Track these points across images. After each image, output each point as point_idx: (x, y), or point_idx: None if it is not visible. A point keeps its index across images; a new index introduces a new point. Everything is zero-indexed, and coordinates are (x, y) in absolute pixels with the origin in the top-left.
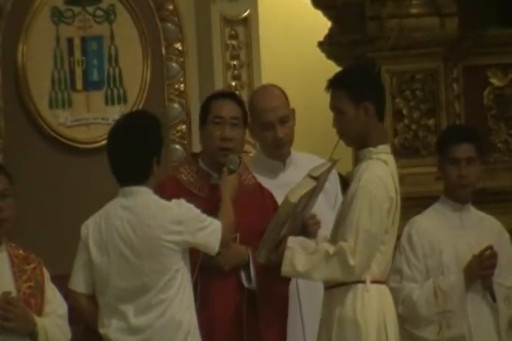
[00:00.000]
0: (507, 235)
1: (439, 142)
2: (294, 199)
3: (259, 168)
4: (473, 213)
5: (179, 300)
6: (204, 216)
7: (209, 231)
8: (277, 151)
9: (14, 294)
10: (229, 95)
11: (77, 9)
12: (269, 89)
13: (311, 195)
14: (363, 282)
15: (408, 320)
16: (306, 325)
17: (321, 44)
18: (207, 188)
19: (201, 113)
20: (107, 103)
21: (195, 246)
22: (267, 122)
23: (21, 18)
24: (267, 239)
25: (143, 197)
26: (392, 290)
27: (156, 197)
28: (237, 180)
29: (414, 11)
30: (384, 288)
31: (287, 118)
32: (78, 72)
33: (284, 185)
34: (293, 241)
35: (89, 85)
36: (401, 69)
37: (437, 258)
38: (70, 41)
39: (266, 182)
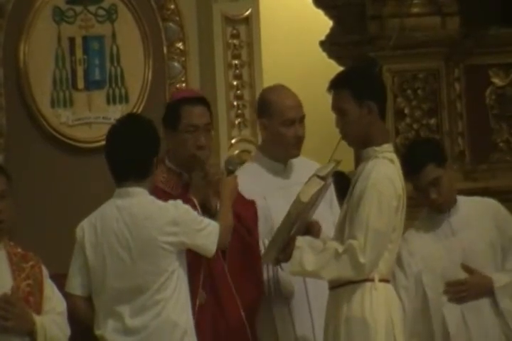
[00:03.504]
0: (503, 213)
1: (403, 171)
2: (305, 198)
3: (259, 168)
4: (463, 211)
5: (175, 301)
6: (201, 217)
7: (206, 233)
8: (294, 150)
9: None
10: (198, 100)
11: (78, 8)
12: (287, 89)
13: (319, 195)
14: (371, 280)
15: None
16: (316, 323)
17: (322, 43)
18: (180, 187)
19: (169, 116)
20: (108, 102)
21: (191, 247)
22: (289, 119)
23: (23, 18)
24: (276, 239)
25: (139, 197)
26: None
27: (152, 198)
28: (237, 181)
29: (415, 10)
30: (390, 286)
31: (304, 118)
32: (80, 71)
33: (286, 186)
34: (301, 241)
35: (91, 84)
36: (402, 69)
37: (432, 272)
38: (72, 40)
39: (265, 183)
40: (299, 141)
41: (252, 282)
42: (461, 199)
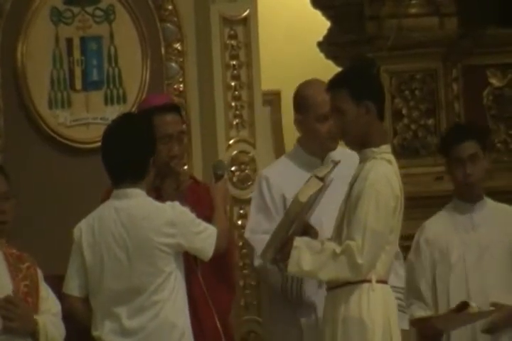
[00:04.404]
0: None
1: (442, 144)
2: (303, 198)
3: (294, 162)
4: (489, 209)
5: (173, 303)
6: (199, 220)
7: (204, 236)
8: (330, 144)
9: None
10: (169, 108)
11: (76, 9)
12: (323, 83)
13: (317, 195)
14: (369, 281)
15: None
16: None
17: (320, 44)
18: (152, 191)
19: None
20: (106, 103)
21: (188, 250)
22: (323, 114)
23: (21, 18)
24: (274, 238)
25: (137, 198)
26: None
27: (150, 199)
28: (227, 184)
29: (413, 10)
30: (387, 287)
31: None
32: (77, 72)
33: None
34: (299, 241)
35: (89, 85)
36: (400, 69)
37: (446, 263)
38: (69, 41)
39: (298, 178)
40: (334, 135)
41: (225, 285)
42: (488, 200)
